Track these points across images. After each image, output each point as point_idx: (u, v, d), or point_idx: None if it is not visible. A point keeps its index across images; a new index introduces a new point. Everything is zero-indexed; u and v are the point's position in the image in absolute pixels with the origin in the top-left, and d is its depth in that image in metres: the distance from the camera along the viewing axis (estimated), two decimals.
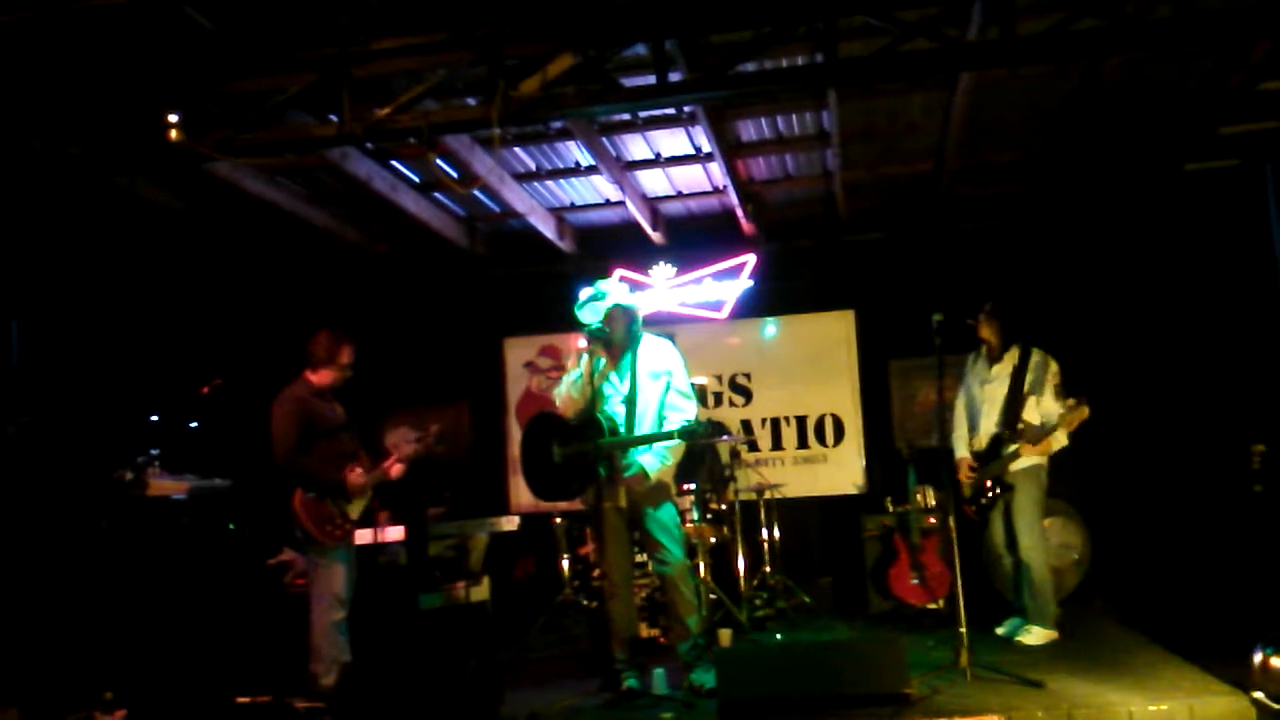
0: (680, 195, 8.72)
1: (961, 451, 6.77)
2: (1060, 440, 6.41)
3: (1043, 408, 6.45)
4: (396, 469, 6.00)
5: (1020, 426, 6.43)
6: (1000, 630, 6.62)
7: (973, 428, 6.75)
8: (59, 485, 6.20)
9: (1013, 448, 6.43)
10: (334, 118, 5.63)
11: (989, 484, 6.54)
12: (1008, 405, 6.55)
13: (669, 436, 5.65)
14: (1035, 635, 6.38)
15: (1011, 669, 5.39)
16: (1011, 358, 6.63)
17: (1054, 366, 6.54)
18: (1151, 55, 6.24)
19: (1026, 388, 6.51)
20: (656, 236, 9.06)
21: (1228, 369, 8.03)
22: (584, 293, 5.69)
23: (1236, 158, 7.94)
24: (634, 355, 5.71)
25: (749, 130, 7.45)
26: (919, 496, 7.70)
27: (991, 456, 6.56)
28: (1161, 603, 7.26)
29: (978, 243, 8.85)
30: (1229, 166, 8.03)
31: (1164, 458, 8.09)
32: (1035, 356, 6.58)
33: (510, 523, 7.58)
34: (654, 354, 5.72)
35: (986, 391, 6.67)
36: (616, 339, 5.64)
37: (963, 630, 5.43)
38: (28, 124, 5.74)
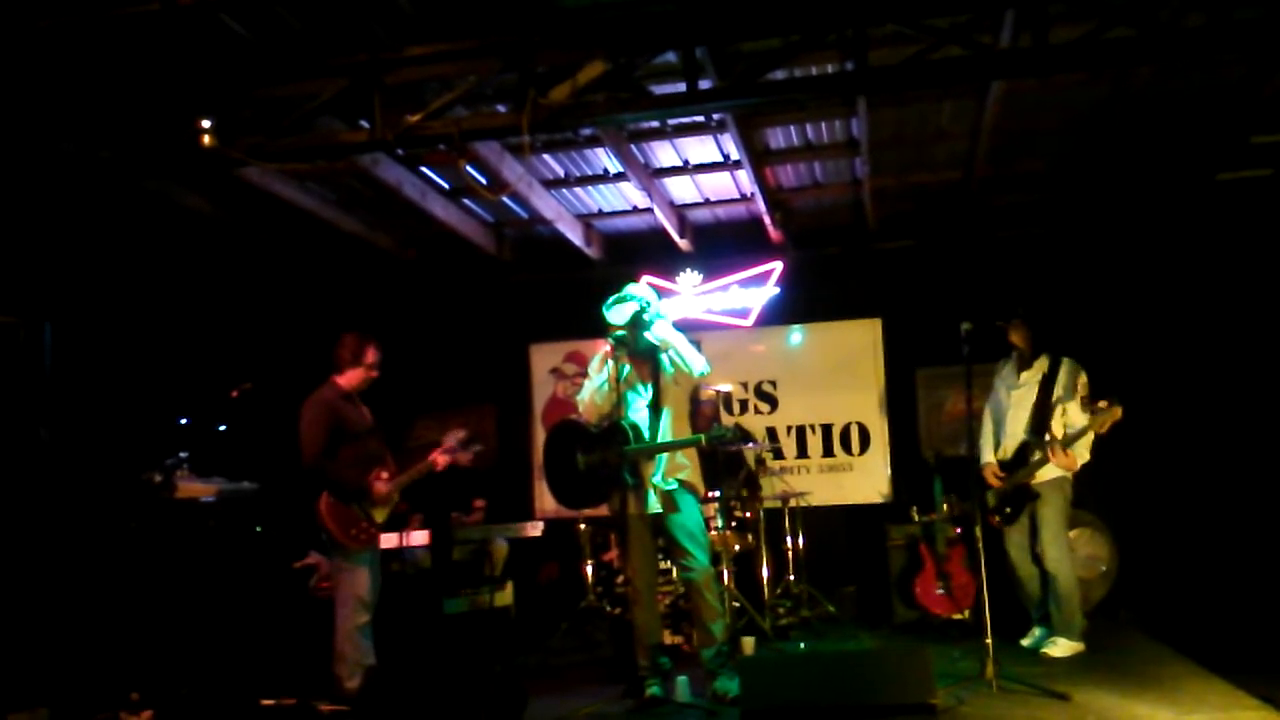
0: (708, 202, 8.73)
1: (987, 456, 6.75)
2: (1083, 455, 6.38)
3: (1069, 418, 6.43)
4: (442, 460, 6.03)
5: (1048, 438, 6.40)
6: (1025, 642, 6.57)
7: (998, 434, 6.73)
8: (89, 487, 6.25)
9: (1038, 455, 6.40)
10: (365, 124, 5.69)
11: (1013, 492, 6.52)
12: (1036, 413, 6.54)
13: (694, 442, 5.66)
14: (1061, 647, 6.34)
15: (1037, 681, 5.36)
16: (1041, 366, 6.62)
17: (1083, 377, 6.52)
18: (1184, 64, 6.19)
19: (1055, 397, 6.49)
20: (683, 243, 9.06)
21: (1258, 379, 7.98)
22: (613, 298, 5.71)
23: (1269, 168, 7.88)
24: (657, 360, 5.72)
25: (778, 138, 7.44)
26: (945, 506, 7.67)
27: (1018, 464, 6.53)
28: (1190, 615, 7.22)
29: (1007, 251, 8.81)
30: (1261, 176, 7.97)
31: (1193, 469, 8.05)
32: (1065, 366, 6.56)
33: (534, 528, 7.59)
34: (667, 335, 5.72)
35: (1014, 397, 6.66)
36: (640, 344, 5.65)
37: (989, 641, 5.39)
38: (61, 127, 5.80)
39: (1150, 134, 7.38)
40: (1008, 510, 6.58)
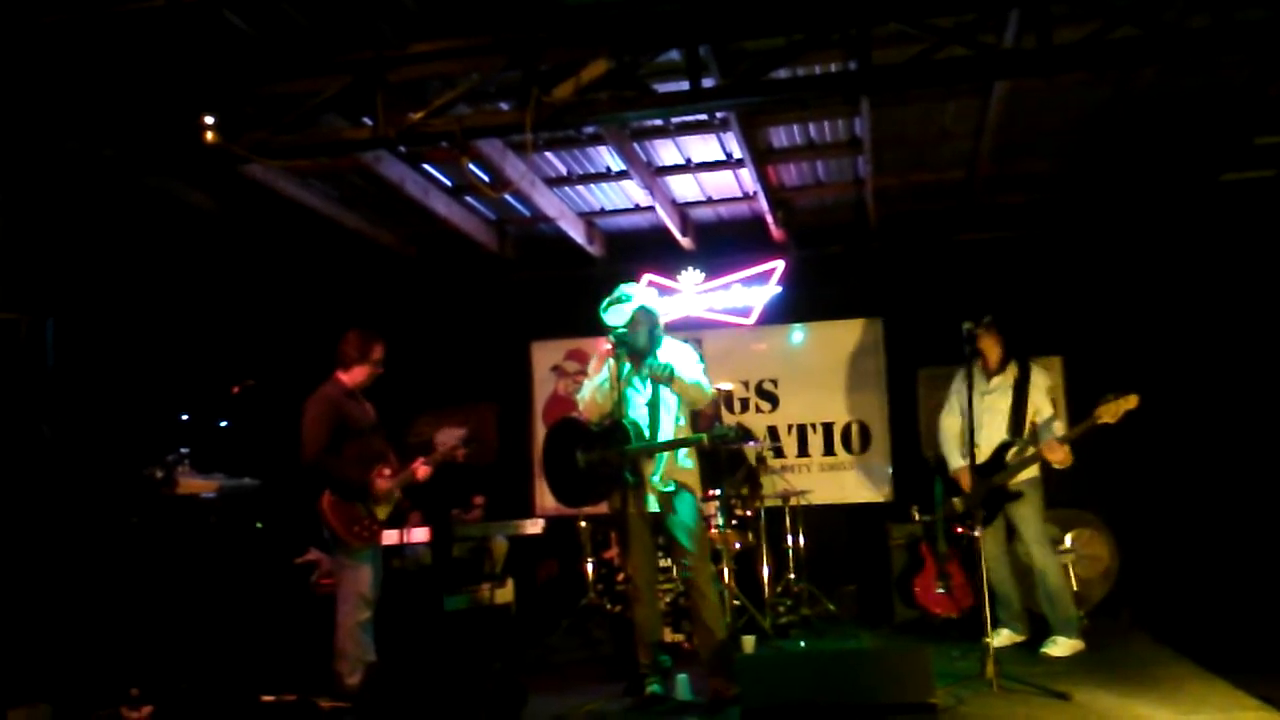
0: (710, 201, 8.72)
1: (958, 462, 6.78)
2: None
3: (1044, 417, 6.52)
4: (423, 471, 6.03)
5: (1051, 433, 6.41)
6: (995, 642, 6.52)
7: (970, 440, 6.69)
8: (91, 483, 6.25)
9: (1030, 451, 6.42)
10: (368, 121, 5.69)
11: (989, 495, 6.51)
12: (1014, 416, 6.59)
13: (696, 441, 5.65)
14: (1061, 646, 6.37)
15: (1038, 681, 5.36)
16: (1011, 370, 6.69)
17: (1051, 380, 6.71)
18: (1188, 65, 6.19)
19: (1030, 400, 6.57)
20: (686, 242, 9.06)
21: (1261, 380, 7.98)
22: (608, 300, 5.70)
23: (1273, 169, 7.87)
24: (656, 359, 5.71)
25: (780, 136, 7.44)
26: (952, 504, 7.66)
27: (994, 467, 6.52)
28: (1191, 616, 7.22)
29: (1009, 251, 8.80)
30: (1265, 178, 7.96)
31: (1195, 469, 8.05)
32: (1036, 370, 6.68)
33: (535, 525, 7.60)
34: (673, 358, 5.70)
35: (986, 402, 6.65)
36: (639, 343, 5.64)
37: (989, 640, 5.41)
38: (64, 125, 5.80)
39: (1154, 135, 7.38)
40: (982, 514, 6.56)
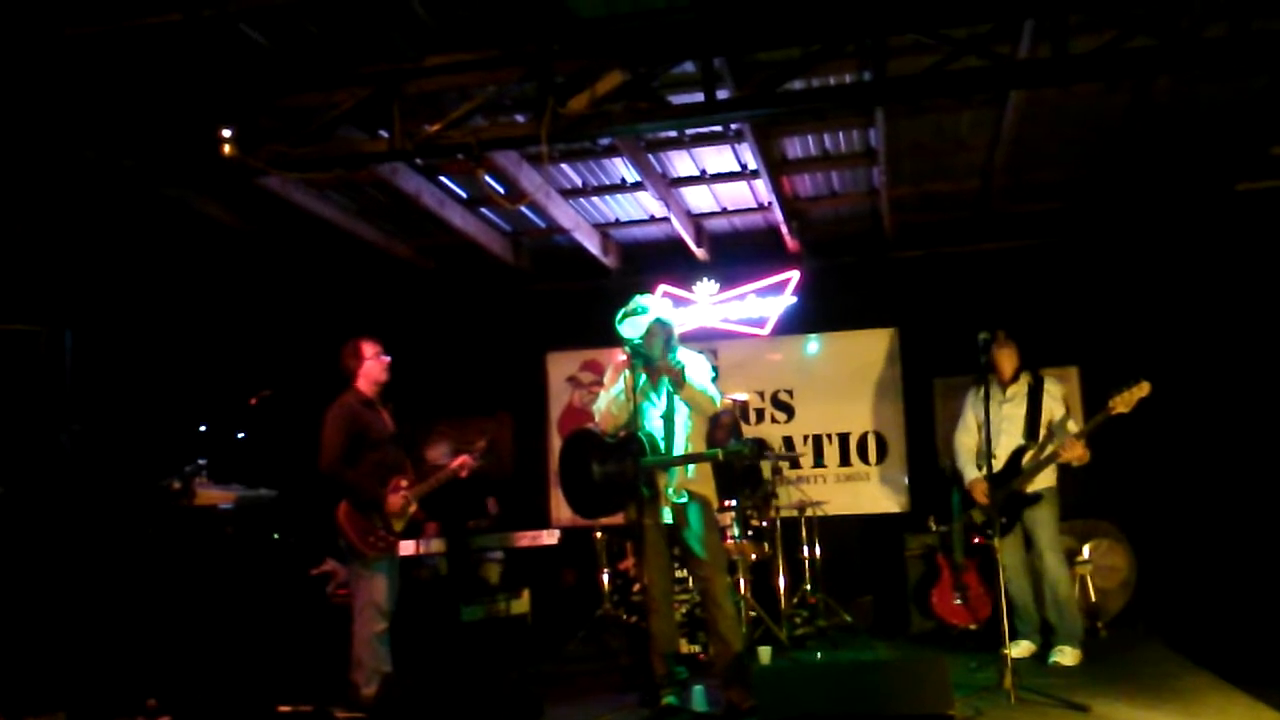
0: (725, 211, 8.73)
1: (973, 473, 6.79)
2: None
3: (1064, 419, 6.54)
4: (468, 463, 6.07)
5: (1069, 430, 6.43)
6: (1014, 652, 6.49)
7: (987, 450, 6.67)
8: (109, 493, 6.28)
9: (1050, 450, 6.42)
10: (385, 133, 5.71)
11: (1006, 502, 6.49)
12: (1029, 422, 6.60)
13: (712, 456, 5.64)
14: (1070, 655, 6.36)
15: (1056, 692, 5.34)
16: (1025, 379, 6.73)
17: (1064, 388, 6.77)
18: (1204, 74, 6.18)
19: (1045, 407, 6.59)
20: (700, 252, 9.07)
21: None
22: (623, 311, 5.69)
23: None
24: (673, 357, 5.69)
25: (795, 147, 7.44)
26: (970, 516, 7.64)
27: (1011, 474, 6.52)
28: (1210, 626, 7.19)
29: (1024, 261, 8.78)
30: None
31: (1213, 479, 8.00)
32: (1050, 379, 6.72)
33: (551, 536, 7.60)
34: (686, 365, 5.69)
35: (1004, 412, 6.67)
36: (655, 354, 5.63)
37: (1006, 651, 5.38)
38: (84, 137, 5.85)
39: (1170, 144, 7.36)
40: (1002, 521, 6.54)
